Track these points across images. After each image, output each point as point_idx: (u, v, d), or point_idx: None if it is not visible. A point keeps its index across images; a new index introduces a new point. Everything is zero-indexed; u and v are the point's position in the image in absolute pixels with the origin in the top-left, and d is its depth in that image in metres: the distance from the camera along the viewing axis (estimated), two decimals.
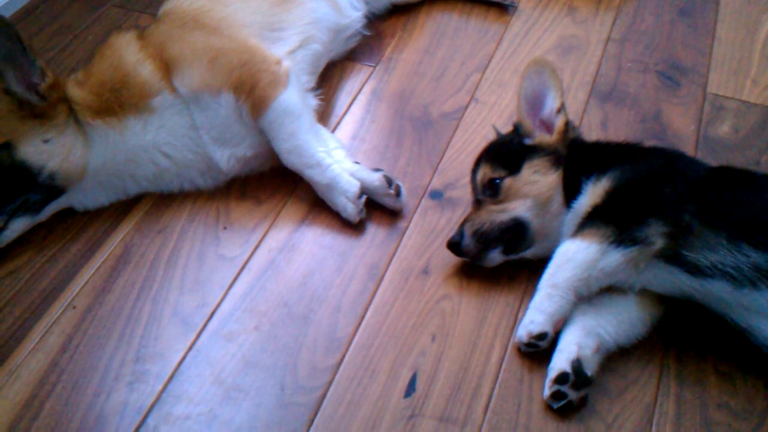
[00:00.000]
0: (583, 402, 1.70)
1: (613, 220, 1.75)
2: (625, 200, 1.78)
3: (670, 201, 1.75)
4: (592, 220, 1.78)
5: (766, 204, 1.74)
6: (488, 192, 1.94)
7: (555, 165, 1.92)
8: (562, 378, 1.68)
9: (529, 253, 1.93)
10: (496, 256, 1.92)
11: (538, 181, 1.91)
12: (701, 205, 1.73)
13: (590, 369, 1.71)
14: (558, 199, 1.90)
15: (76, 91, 2.04)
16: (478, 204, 1.96)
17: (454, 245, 1.92)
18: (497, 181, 1.92)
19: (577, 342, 1.72)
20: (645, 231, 1.72)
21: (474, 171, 2.00)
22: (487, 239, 1.89)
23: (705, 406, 1.72)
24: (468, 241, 1.90)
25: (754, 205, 1.74)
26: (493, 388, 1.75)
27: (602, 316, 1.76)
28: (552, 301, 1.74)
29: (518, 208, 1.89)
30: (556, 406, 1.69)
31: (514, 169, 1.93)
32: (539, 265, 1.86)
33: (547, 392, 1.70)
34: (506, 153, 1.98)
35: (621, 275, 1.76)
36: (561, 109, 1.97)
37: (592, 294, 1.77)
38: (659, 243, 1.71)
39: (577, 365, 1.69)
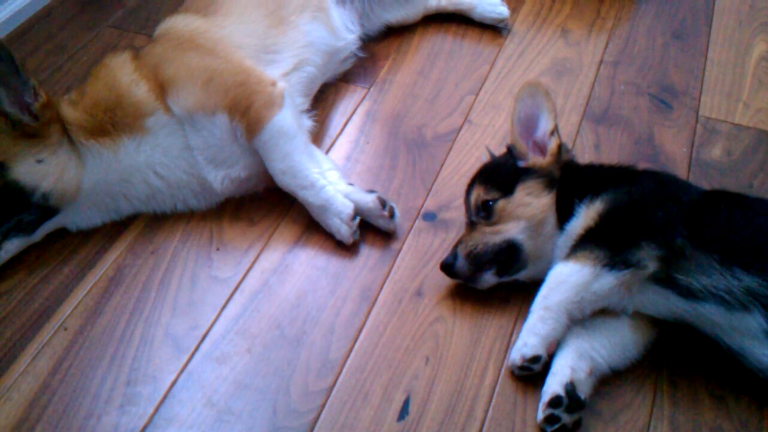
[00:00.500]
0: (576, 425, 1.69)
1: (606, 243, 1.75)
2: (618, 223, 1.79)
3: (663, 224, 1.76)
4: (585, 243, 1.78)
5: (757, 227, 1.75)
6: (482, 214, 1.94)
7: (548, 187, 1.93)
8: (555, 401, 1.67)
9: (522, 275, 1.93)
10: (489, 278, 1.91)
11: (531, 203, 1.91)
12: (694, 229, 1.74)
13: (583, 392, 1.70)
14: (551, 221, 1.90)
15: (69, 111, 2.04)
16: (471, 226, 1.96)
17: (447, 267, 1.92)
18: (491, 203, 1.92)
19: (571, 365, 1.71)
20: (638, 254, 1.72)
21: (468, 192, 2.01)
22: (480, 261, 1.89)
23: (698, 429, 1.72)
24: (461, 262, 1.90)
25: (746, 229, 1.74)
26: (486, 411, 1.74)
27: (595, 339, 1.76)
28: (545, 323, 1.74)
29: (511, 230, 1.90)
30: (549, 430, 1.68)
31: (507, 191, 1.93)
32: (532, 287, 1.86)
33: (540, 416, 1.69)
34: (499, 175, 1.98)
35: (614, 298, 1.76)
36: (554, 131, 1.98)
37: (586, 316, 1.77)
38: (652, 266, 1.72)
39: (571, 389, 1.68)
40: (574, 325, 1.78)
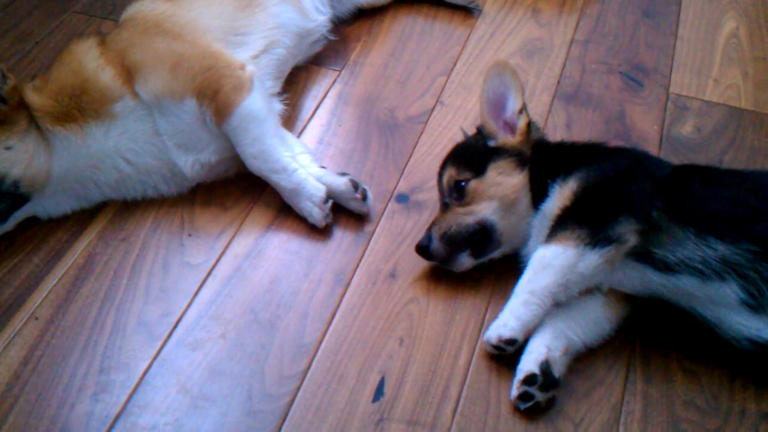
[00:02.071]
0: (550, 403, 1.71)
1: (585, 222, 1.74)
2: (595, 200, 1.79)
3: (638, 198, 1.76)
4: (564, 223, 1.77)
5: (729, 196, 1.77)
6: (454, 194, 1.93)
7: (519, 166, 1.93)
8: (530, 379, 1.68)
9: (497, 254, 1.94)
10: (465, 260, 1.91)
11: (503, 182, 1.91)
12: (668, 202, 1.74)
13: (558, 371, 1.71)
14: (524, 200, 1.91)
15: (34, 97, 2.01)
16: (445, 207, 1.96)
17: (422, 249, 1.91)
18: (462, 183, 1.92)
19: (546, 344, 1.72)
20: (618, 229, 1.72)
21: (440, 174, 2.00)
22: (454, 242, 1.89)
23: (671, 403, 1.74)
24: (436, 244, 1.90)
25: (718, 199, 1.76)
26: (461, 391, 1.74)
27: (570, 318, 1.77)
28: (528, 308, 1.73)
29: (484, 211, 1.90)
30: (523, 407, 1.69)
31: (479, 172, 1.93)
32: (506, 268, 1.88)
33: (514, 393, 1.70)
34: (471, 155, 1.98)
35: (599, 276, 1.76)
36: (522, 109, 1.97)
37: (570, 298, 1.76)
38: (632, 240, 1.72)
39: (546, 367, 1.69)
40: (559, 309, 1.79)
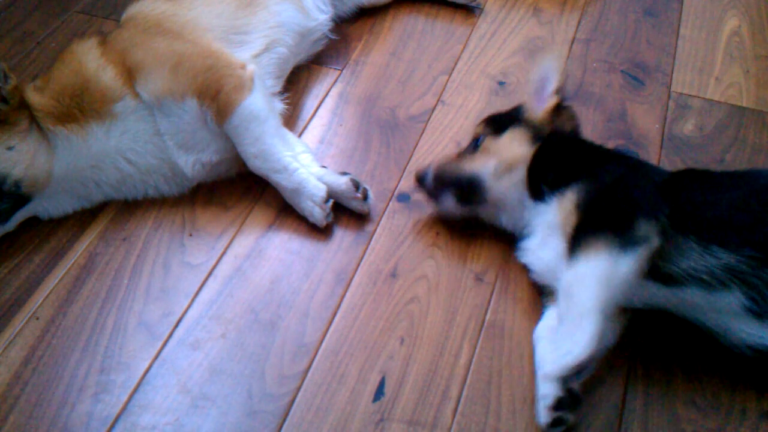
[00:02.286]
0: (576, 421, 1.67)
1: (606, 228, 1.67)
2: (606, 208, 1.74)
3: (647, 200, 1.73)
4: (583, 238, 1.69)
5: (730, 202, 1.74)
6: (471, 145, 2.04)
7: (532, 140, 1.97)
8: (560, 404, 1.63)
9: (481, 211, 1.99)
10: (448, 201, 2.00)
11: (511, 148, 1.97)
12: (670, 208, 1.72)
13: (577, 387, 1.67)
14: (520, 172, 1.93)
15: (35, 97, 2.01)
16: (458, 154, 2.06)
17: (419, 177, 2.04)
18: (481, 137, 2.02)
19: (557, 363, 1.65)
20: (641, 230, 1.66)
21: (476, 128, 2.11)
22: (444, 180, 1.99)
23: (672, 403, 1.73)
24: (430, 178, 2.01)
25: (718, 204, 1.73)
26: (461, 391, 1.74)
27: None
28: (586, 330, 1.59)
29: (481, 165, 1.96)
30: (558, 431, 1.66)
31: (498, 132, 2.01)
32: (506, 267, 1.87)
33: (547, 419, 1.64)
34: (501, 119, 2.08)
35: (632, 284, 1.66)
36: (557, 91, 2.02)
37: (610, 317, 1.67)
38: (656, 240, 1.66)
39: (568, 387, 1.64)
40: (549, 320, 1.78)
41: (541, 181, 1.88)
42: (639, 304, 1.78)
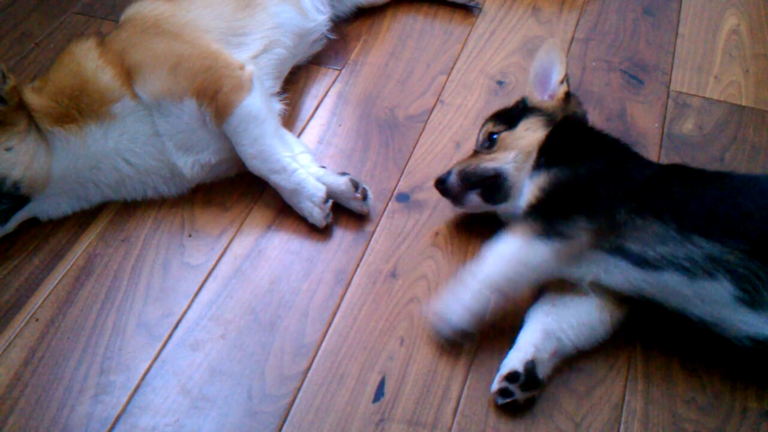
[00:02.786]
0: (529, 403, 1.70)
1: (541, 216, 1.78)
2: (556, 198, 1.82)
3: (601, 200, 1.78)
4: (525, 218, 1.82)
5: (715, 196, 1.76)
6: (486, 144, 2.04)
7: (546, 125, 2.00)
8: (512, 377, 1.69)
9: (503, 208, 1.99)
10: (474, 199, 1.99)
11: (527, 136, 1.99)
12: (646, 201, 1.75)
13: (543, 372, 1.71)
14: (533, 158, 1.95)
15: (33, 98, 2.01)
16: (474, 154, 2.06)
17: (440, 182, 2.03)
18: (495, 135, 2.02)
19: (535, 344, 1.72)
20: (569, 226, 1.74)
21: (480, 128, 2.10)
22: (469, 180, 1.98)
23: (672, 402, 1.73)
24: (453, 179, 2.00)
25: (704, 198, 1.76)
26: (461, 391, 1.74)
27: (564, 319, 1.77)
28: (473, 297, 1.76)
29: (504, 159, 1.97)
30: (501, 402, 1.69)
31: (511, 125, 2.03)
32: None
33: (495, 387, 1.70)
34: (509, 113, 2.09)
35: (549, 268, 1.76)
36: (564, 80, 2.05)
37: (518, 291, 1.80)
38: (584, 238, 1.74)
39: (531, 367, 1.69)
40: (543, 303, 1.79)
41: (542, 158, 1.92)
42: (621, 287, 1.78)
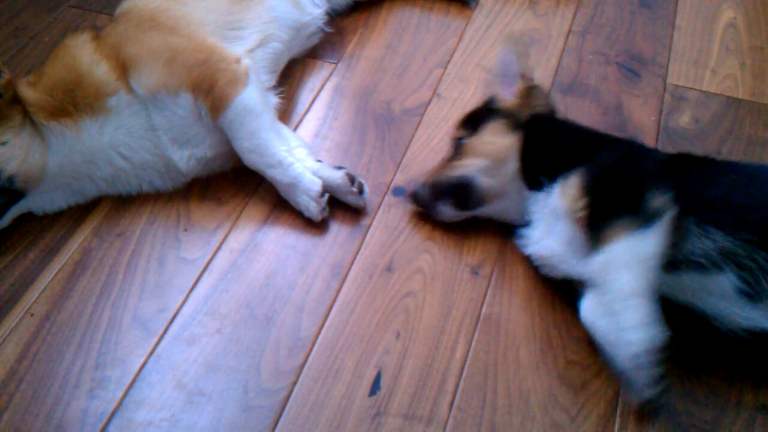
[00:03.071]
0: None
1: (621, 209, 1.67)
2: (614, 188, 1.73)
3: (651, 177, 1.73)
4: (598, 225, 1.69)
5: (727, 184, 1.76)
6: (454, 151, 2.03)
7: (512, 128, 1.97)
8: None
9: (481, 212, 1.98)
10: (446, 210, 1.99)
11: (493, 141, 1.97)
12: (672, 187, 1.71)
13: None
14: (512, 163, 1.93)
15: (28, 92, 2.00)
16: (443, 162, 2.05)
17: (412, 195, 2.04)
18: (461, 140, 2.01)
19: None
20: (655, 204, 1.66)
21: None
22: (437, 191, 1.98)
23: (669, 396, 1.73)
24: (424, 191, 2.00)
25: (716, 186, 1.75)
26: (457, 384, 1.74)
27: None
28: (637, 310, 1.61)
29: (470, 166, 1.95)
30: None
31: (476, 130, 2.01)
32: (502, 263, 1.86)
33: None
34: (474, 116, 2.07)
35: (665, 253, 1.65)
36: (523, 74, 2.03)
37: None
38: (672, 210, 1.65)
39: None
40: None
41: (538, 170, 1.87)
42: None
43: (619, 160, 1.82)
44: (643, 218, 1.65)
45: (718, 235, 1.67)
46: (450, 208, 1.99)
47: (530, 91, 2.03)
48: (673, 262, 1.68)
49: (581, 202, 1.75)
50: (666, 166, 1.82)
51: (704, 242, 1.67)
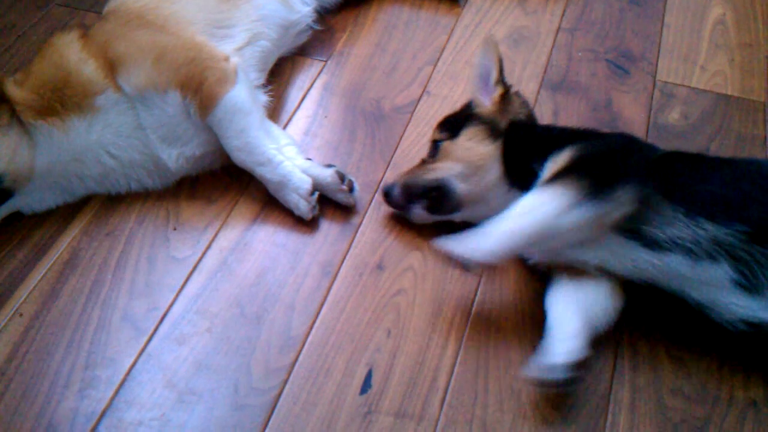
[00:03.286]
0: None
1: (589, 174, 1.70)
2: (596, 163, 1.76)
3: (635, 170, 1.75)
4: (562, 176, 1.72)
5: (720, 178, 1.77)
6: (431, 153, 2.01)
7: (491, 136, 1.95)
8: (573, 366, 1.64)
9: (460, 217, 1.96)
10: (419, 212, 1.98)
11: (471, 148, 1.94)
12: (659, 181, 1.74)
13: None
14: (494, 172, 1.91)
15: (15, 91, 1.99)
16: (422, 162, 2.03)
17: (385, 194, 2.02)
18: (438, 143, 1.99)
19: (581, 333, 1.70)
20: (618, 191, 1.69)
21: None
22: (410, 193, 1.97)
23: (659, 391, 1.74)
24: (396, 191, 1.98)
25: (709, 181, 1.76)
26: (448, 382, 1.74)
27: (593, 304, 1.75)
28: (500, 245, 1.68)
29: (445, 170, 1.94)
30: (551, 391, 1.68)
31: (454, 134, 1.99)
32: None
33: (562, 376, 1.64)
34: (453, 120, 2.05)
35: (581, 235, 1.71)
36: (499, 82, 2.01)
37: (535, 252, 1.76)
38: (629, 207, 1.69)
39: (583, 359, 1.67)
40: (568, 289, 1.78)
41: (528, 173, 1.85)
42: (626, 271, 1.76)
43: (617, 146, 1.84)
44: (598, 192, 1.67)
45: (709, 225, 1.68)
46: (423, 211, 1.97)
47: (507, 98, 2.00)
48: (657, 242, 1.70)
49: (565, 162, 1.76)
50: (660, 159, 1.83)
51: (694, 230, 1.68)
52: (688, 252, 1.68)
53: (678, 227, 1.69)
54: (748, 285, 1.67)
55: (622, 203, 1.69)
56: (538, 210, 1.69)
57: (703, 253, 1.68)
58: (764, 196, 1.71)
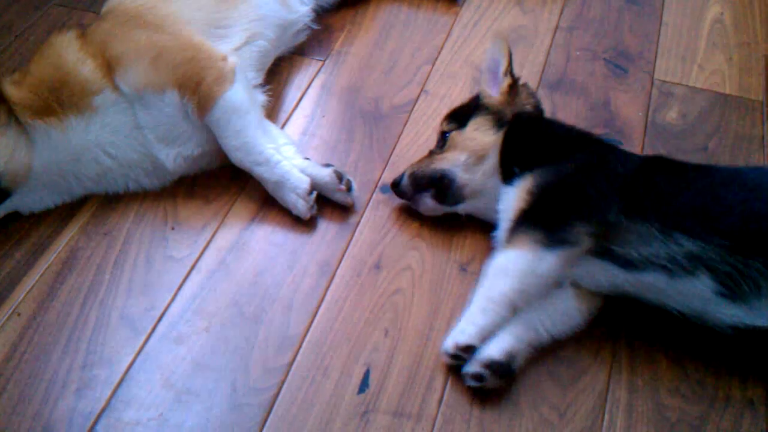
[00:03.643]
0: (494, 391, 1.71)
1: (540, 224, 1.77)
2: (549, 202, 1.80)
3: (592, 200, 1.77)
4: (519, 227, 1.79)
5: (696, 191, 1.76)
6: (440, 143, 2.05)
7: (496, 126, 1.99)
8: (492, 366, 1.68)
9: (463, 209, 1.99)
10: (427, 201, 2.00)
11: (477, 137, 1.98)
12: (630, 199, 1.74)
13: (517, 364, 1.72)
14: (492, 160, 1.95)
15: (13, 91, 1.99)
16: (429, 154, 2.05)
17: (394, 185, 2.04)
18: (447, 134, 2.02)
19: (516, 334, 1.72)
20: (571, 231, 1.73)
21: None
22: (418, 182, 1.99)
23: (656, 391, 1.74)
24: (405, 181, 2.01)
25: (684, 194, 1.76)
26: (446, 381, 1.74)
27: (543, 310, 1.77)
28: (486, 315, 1.72)
29: (451, 160, 1.97)
30: (472, 384, 1.70)
31: (461, 125, 2.03)
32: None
33: (471, 370, 1.69)
34: (461, 111, 2.08)
35: (557, 277, 1.77)
36: (507, 72, 2.04)
37: (530, 302, 1.76)
38: (586, 242, 1.73)
39: (510, 359, 1.70)
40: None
41: (513, 165, 1.90)
42: (601, 287, 1.78)
43: (578, 170, 1.84)
44: (551, 240, 1.73)
45: (685, 240, 1.68)
46: (431, 201, 2.00)
47: (515, 89, 2.03)
48: (631, 261, 1.71)
49: (522, 204, 1.81)
50: (636, 172, 1.82)
51: (670, 247, 1.68)
52: (664, 269, 1.69)
53: (652, 245, 1.69)
54: (732, 295, 1.66)
55: (576, 242, 1.73)
56: (508, 275, 1.74)
57: (679, 269, 1.68)
58: (744, 204, 1.71)
